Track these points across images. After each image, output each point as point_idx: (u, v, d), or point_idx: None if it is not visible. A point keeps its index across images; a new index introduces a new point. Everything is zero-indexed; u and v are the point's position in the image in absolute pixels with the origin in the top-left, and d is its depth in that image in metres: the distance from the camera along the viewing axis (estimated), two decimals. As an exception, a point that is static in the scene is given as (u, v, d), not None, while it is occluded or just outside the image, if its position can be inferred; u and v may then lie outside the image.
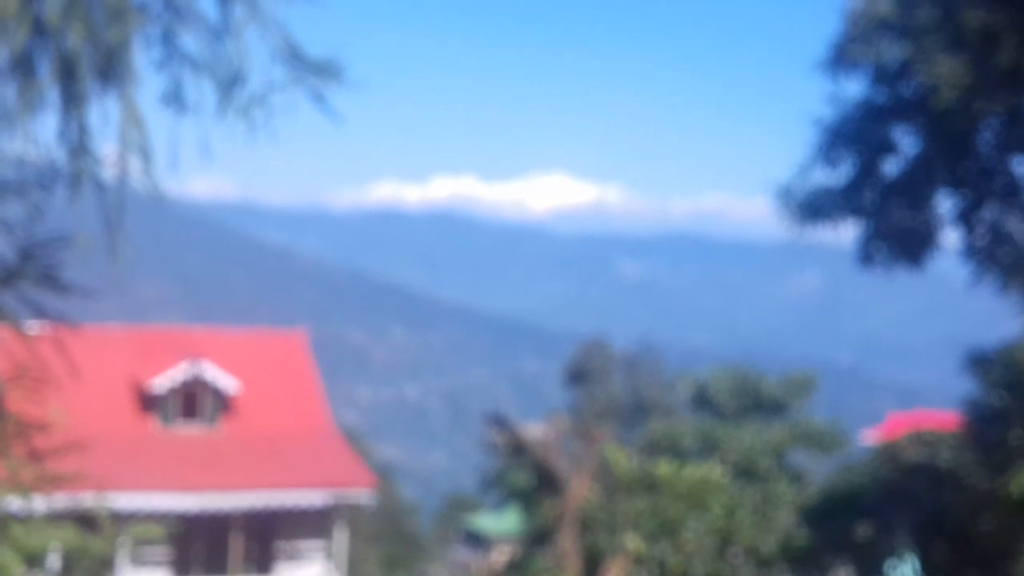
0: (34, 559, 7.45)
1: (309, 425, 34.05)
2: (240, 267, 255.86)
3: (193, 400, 32.49)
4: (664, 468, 21.70)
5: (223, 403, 32.70)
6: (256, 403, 33.27)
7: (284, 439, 32.81)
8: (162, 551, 29.91)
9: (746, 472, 25.10)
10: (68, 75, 5.25)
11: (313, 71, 5.42)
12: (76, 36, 5.06)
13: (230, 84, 5.53)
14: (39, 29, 5.17)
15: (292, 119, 5.73)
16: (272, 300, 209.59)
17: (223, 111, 5.53)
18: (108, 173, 5.71)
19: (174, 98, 5.77)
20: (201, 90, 5.64)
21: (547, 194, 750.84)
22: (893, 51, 16.34)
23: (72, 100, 5.36)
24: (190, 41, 5.53)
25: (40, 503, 7.75)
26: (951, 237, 16.67)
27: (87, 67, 5.29)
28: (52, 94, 5.42)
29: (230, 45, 5.46)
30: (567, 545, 17.80)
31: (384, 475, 42.41)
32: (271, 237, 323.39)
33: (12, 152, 5.67)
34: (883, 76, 16.62)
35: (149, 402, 32.36)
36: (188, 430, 32.35)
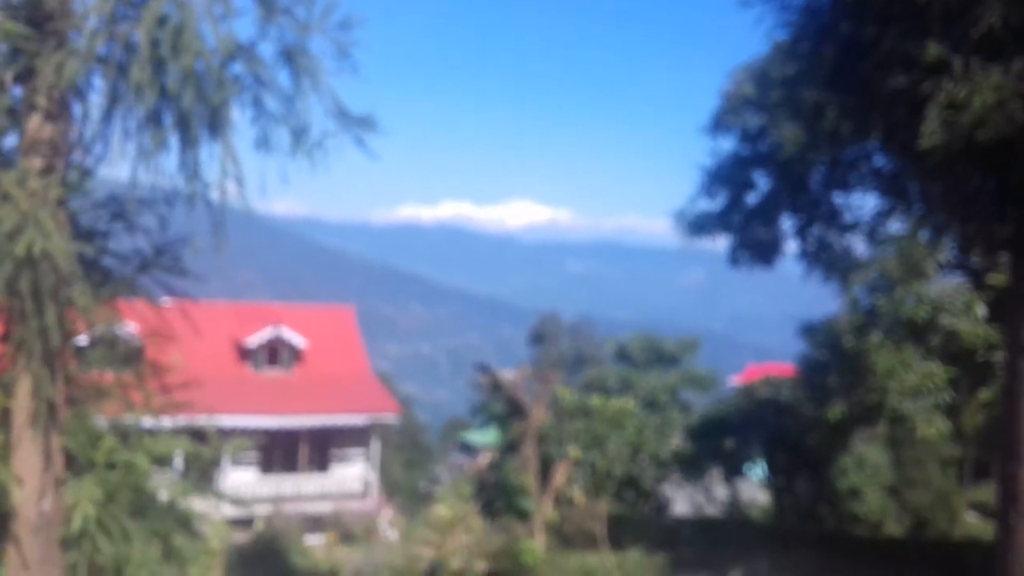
0: (162, 461, 7.37)
1: (355, 371, 33.93)
2: (307, 264, 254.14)
3: (276, 352, 32.30)
4: (596, 401, 21.73)
5: (296, 355, 32.53)
6: (319, 355, 33.12)
7: (337, 380, 32.70)
8: (252, 456, 29.77)
9: (651, 404, 25.18)
10: (184, 126, 5.20)
11: (355, 123, 5.40)
12: (189, 99, 5.02)
13: (299, 133, 5.51)
14: (164, 93, 5.13)
15: (342, 158, 5.72)
16: (330, 287, 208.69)
17: (294, 151, 5.51)
18: (214, 195, 5.68)
19: (263, 143, 5.75)
20: (279, 137, 5.63)
21: (518, 214, 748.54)
22: (754, 120, 16.37)
23: (187, 143, 5.32)
24: (271, 102, 5.51)
25: (166, 423, 7.67)
26: (791, 246, 16.75)
27: (198, 120, 5.25)
28: (173, 139, 5.38)
29: (299, 105, 5.44)
30: (529, 453, 17.79)
31: (405, 404, 42.31)
32: (328, 243, 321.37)
33: (147, 180, 5.63)
34: (747, 136, 16.65)
35: (245, 353, 32.14)
36: (272, 373, 32.18)
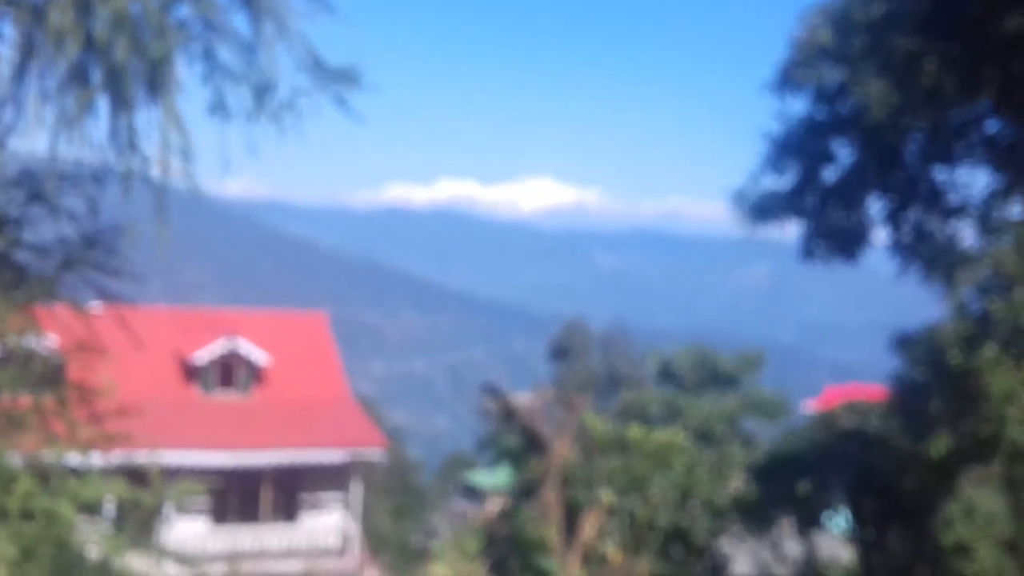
0: (91, 508, 7.37)
1: (329, 394, 33.99)
2: (269, 257, 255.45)
3: (230, 371, 32.41)
4: (634, 432, 21.68)
5: (255, 374, 32.62)
6: (284, 375, 33.20)
7: (308, 406, 32.75)
8: (203, 502, 29.85)
9: (704, 436, 25.09)
10: (116, 85, 5.18)
11: (334, 78, 5.36)
12: (123, 50, 4.99)
13: (262, 92, 5.47)
14: (91, 44, 5.10)
15: (315, 125, 5.68)
16: (298, 286, 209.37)
17: (256, 116, 5.48)
18: (155, 172, 5.66)
19: (217, 106, 5.71)
20: (237, 98, 5.60)
21: (535, 195, 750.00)
22: (832, 74, 16.29)
23: (120, 106, 5.30)
24: (226, 54, 5.47)
25: (97, 460, 7.67)
26: (880, 235, 16.66)
27: (133, 78, 5.22)
28: (102, 102, 5.36)
29: (262, 57, 5.40)
30: (550, 498, 17.77)
31: (394, 437, 42.35)
32: (296, 231, 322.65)
33: (71, 153, 5.61)
34: (823, 96, 16.57)
35: (192, 372, 32.26)
36: (225, 397, 32.27)
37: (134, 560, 7.74)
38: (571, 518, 18.17)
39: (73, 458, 7.46)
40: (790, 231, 17.17)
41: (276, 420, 31.39)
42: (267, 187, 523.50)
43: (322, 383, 34.26)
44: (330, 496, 31.45)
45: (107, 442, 7.57)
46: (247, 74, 5.41)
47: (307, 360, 34.74)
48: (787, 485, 22.89)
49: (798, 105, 17.04)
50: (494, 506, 25.69)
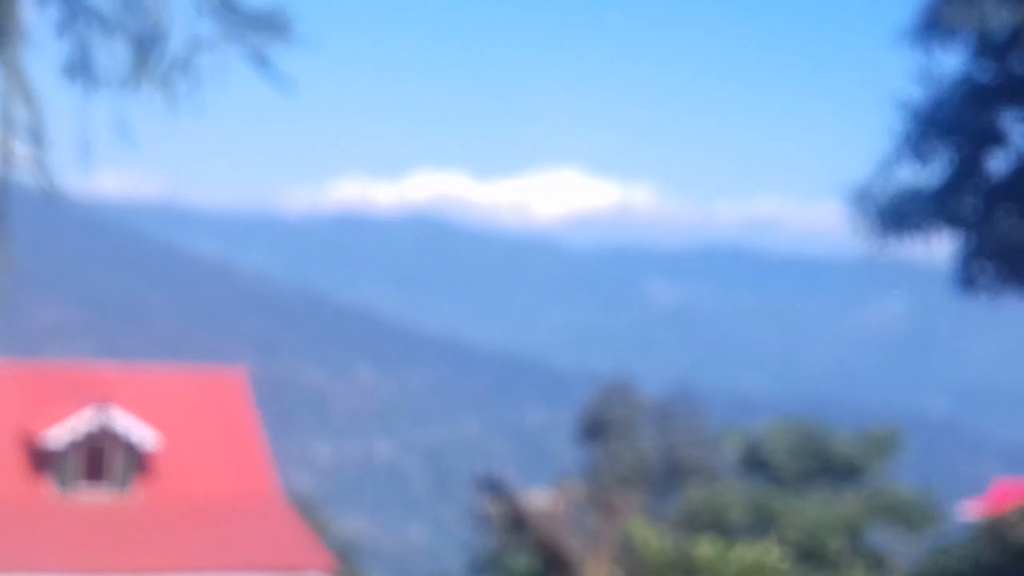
0: None
1: (249, 490, 33.93)
2: (163, 286, 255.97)
3: (99, 457, 32.38)
4: (706, 548, 21.63)
5: (138, 461, 32.59)
6: (181, 462, 33.16)
7: (217, 508, 32.69)
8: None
9: (811, 554, 25.03)
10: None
11: (252, 25, 5.29)
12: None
13: (147, 44, 5.44)
14: None
15: (226, 93, 5.65)
16: (204, 329, 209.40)
17: (138, 79, 5.44)
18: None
19: (80, 67, 5.67)
20: (110, 54, 5.57)
21: (557, 196, 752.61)
22: (1002, 14, 16.34)
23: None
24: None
25: None
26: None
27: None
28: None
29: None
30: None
31: (346, 555, 42.26)
32: (204, 248, 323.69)
33: None
34: (989, 47, 16.61)
35: (43, 460, 32.24)
36: (93, 496, 32.22)
37: None
38: None
39: None
40: (939, 248, 17.18)
41: (169, 531, 31.33)
42: (160, 186, 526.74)
43: (237, 474, 34.23)
44: (250, 645, 31.37)
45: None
46: (123, 19, 5.41)
47: (215, 440, 34.74)
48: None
49: (951, 61, 17.09)
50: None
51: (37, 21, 5.47)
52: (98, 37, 5.51)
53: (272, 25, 5.35)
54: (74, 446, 32.15)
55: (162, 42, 5.46)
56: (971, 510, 32.92)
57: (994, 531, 23.69)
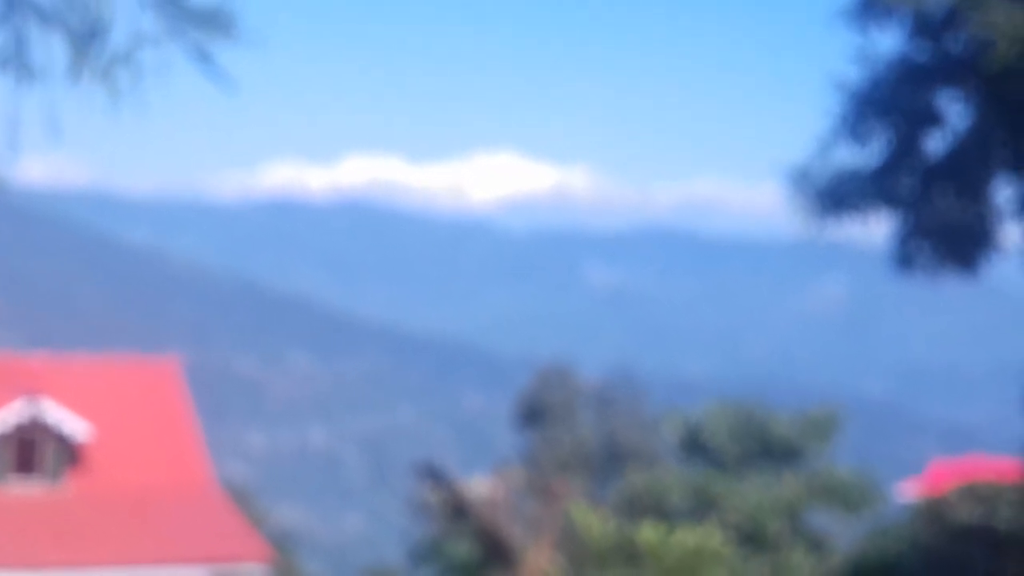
0: None
1: (184, 481, 33.80)
2: (93, 274, 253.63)
3: (30, 450, 32.16)
4: (648, 533, 21.76)
5: (70, 453, 32.39)
6: (114, 453, 32.99)
7: (151, 500, 32.55)
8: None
9: (752, 537, 25.21)
10: None
11: (195, 21, 5.37)
12: None
13: (87, 38, 5.48)
14: None
15: (165, 84, 5.68)
16: (136, 317, 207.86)
17: (76, 73, 5.48)
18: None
19: (15, 52, 5.70)
20: (47, 46, 5.59)
21: (493, 179, 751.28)
22: (938, -3, 16.52)
23: None
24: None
25: None
26: (1012, 234, 16.84)
27: None
28: None
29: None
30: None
31: (283, 546, 42.18)
32: (134, 235, 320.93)
33: None
34: (925, 27, 16.78)
35: (-28, 452, 31.99)
36: (24, 489, 32.00)
37: None
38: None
39: None
40: (877, 229, 17.34)
41: (101, 523, 31.17)
42: (87, 172, 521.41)
43: (171, 465, 34.08)
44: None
45: None
46: (64, 13, 5.44)
47: (149, 431, 34.56)
48: (878, 610, 23.03)
49: (888, 42, 17.26)
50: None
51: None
52: (36, 30, 5.54)
53: (214, 22, 5.40)
54: (4, 438, 31.92)
55: (103, 36, 5.50)
56: (909, 492, 33.31)
57: (933, 512, 23.97)
